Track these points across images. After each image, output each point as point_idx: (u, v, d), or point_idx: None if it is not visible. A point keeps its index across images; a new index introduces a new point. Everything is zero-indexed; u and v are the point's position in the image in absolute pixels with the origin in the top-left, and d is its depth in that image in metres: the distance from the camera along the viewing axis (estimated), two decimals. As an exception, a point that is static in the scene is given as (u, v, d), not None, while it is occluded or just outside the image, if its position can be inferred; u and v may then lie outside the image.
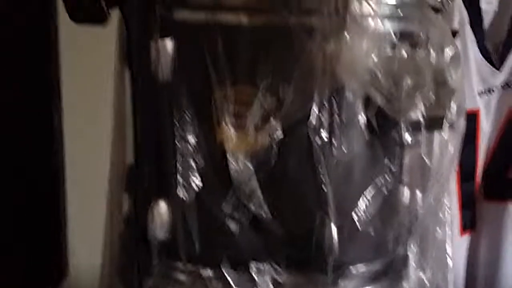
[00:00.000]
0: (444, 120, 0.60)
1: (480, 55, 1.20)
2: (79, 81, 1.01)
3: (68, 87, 0.88)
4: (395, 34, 0.59)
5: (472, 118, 1.23)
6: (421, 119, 0.58)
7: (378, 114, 0.57)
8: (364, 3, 0.57)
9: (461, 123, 0.61)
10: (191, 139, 0.60)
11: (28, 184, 0.84)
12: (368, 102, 0.57)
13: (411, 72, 0.57)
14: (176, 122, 0.60)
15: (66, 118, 0.88)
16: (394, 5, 0.60)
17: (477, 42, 1.19)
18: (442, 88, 0.59)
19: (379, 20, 0.58)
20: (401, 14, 0.61)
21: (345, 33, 0.55)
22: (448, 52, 0.62)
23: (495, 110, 1.24)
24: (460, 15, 1.16)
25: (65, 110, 0.89)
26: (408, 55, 0.60)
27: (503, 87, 1.23)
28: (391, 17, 0.60)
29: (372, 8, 0.57)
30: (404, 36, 0.61)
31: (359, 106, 0.58)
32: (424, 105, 0.57)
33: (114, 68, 0.69)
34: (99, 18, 0.56)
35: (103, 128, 0.74)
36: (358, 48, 0.55)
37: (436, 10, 0.64)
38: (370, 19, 0.57)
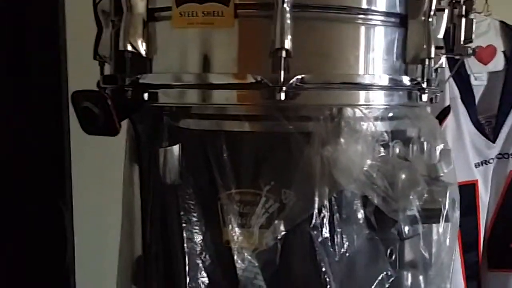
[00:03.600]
0: (440, 213, 0.62)
1: (474, 128, 1.24)
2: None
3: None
4: (387, 134, 0.63)
5: (470, 189, 1.25)
6: (417, 215, 0.60)
7: (376, 211, 0.60)
8: (357, 108, 0.61)
9: (456, 216, 0.64)
10: (198, 239, 0.63)
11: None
12: (366, 200, 0.60)
13: (405, 171, 0.60)
14: (184, 223, 0.63)
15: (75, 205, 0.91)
16: (385, 107, 0.64)
17: (470, 116, 1.23)
18: (435, 184, 0.62)
19: (371, 123, 0.62)
20: (392, 114, 0.65)
21: (341, 138, 0.59)
22: (439, 147, 0.66)
23: (493, 180, 1.27)
24: (451, 91, 1.22)
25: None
26: (401, 153, 0.64)
27: (498, 158, 1.27)
28: (383, 118, 0.64)
29: (364, 112, 0.61)
30: (397, 135, 0.64)
31: (358, 204, 0.60)
32: (419, 202, 0.60)
33: (123, 166, 0.73)
34: (111, 132, 0.60)
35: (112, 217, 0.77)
36: (353, 151, 0.59)
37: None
38: (363, 122, 0.61)
